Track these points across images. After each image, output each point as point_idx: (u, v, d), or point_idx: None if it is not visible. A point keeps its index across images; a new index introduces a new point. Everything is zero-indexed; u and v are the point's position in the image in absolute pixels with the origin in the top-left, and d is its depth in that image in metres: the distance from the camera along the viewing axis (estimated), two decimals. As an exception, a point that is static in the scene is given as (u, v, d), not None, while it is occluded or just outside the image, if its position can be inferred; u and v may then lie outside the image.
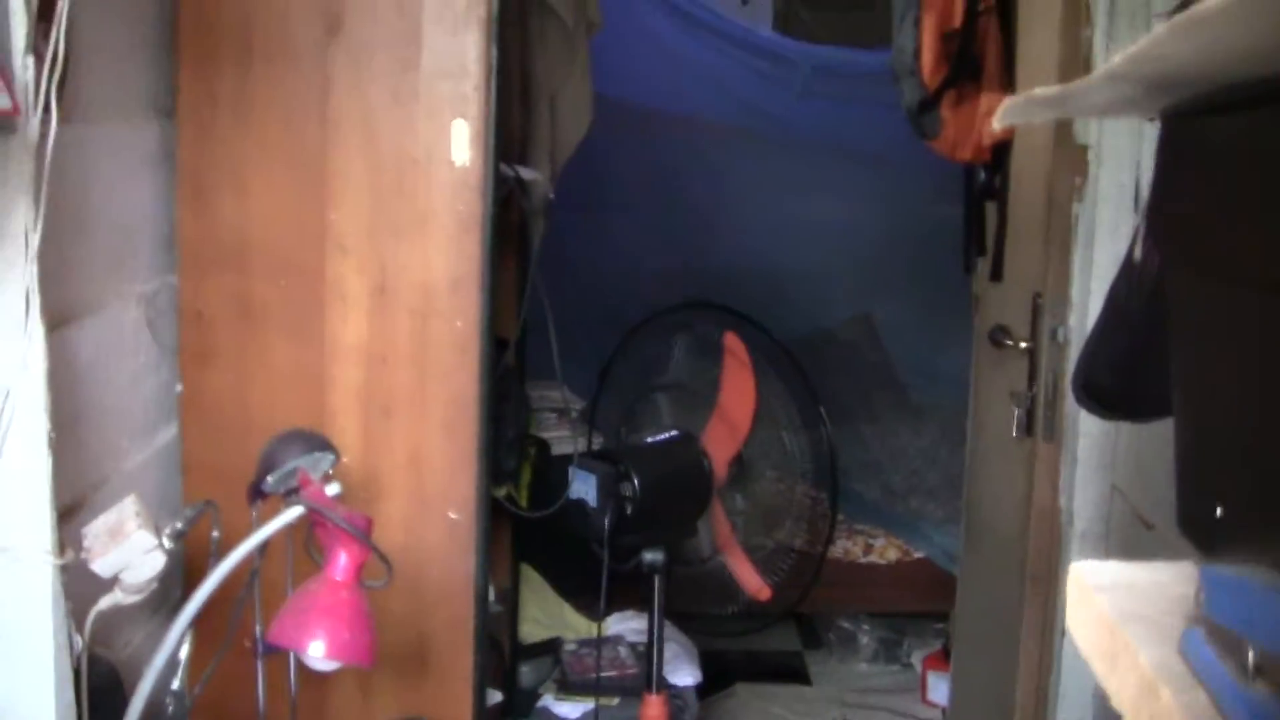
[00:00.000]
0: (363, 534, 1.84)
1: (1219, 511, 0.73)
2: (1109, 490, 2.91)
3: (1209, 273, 0.86)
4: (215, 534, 2.00)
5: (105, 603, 1.88)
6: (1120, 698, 0.74)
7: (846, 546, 5.01)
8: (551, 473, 3.40)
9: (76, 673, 1.81)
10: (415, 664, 2.48)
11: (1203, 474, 0.78)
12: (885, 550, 5.05)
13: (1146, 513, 2.68)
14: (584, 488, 2.82)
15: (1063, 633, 3.00)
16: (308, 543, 1.94)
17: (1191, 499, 0.78)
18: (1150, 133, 2.67)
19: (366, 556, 1.87)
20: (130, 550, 1.88)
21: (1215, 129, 0.92)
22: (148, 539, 1.89)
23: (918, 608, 4.98)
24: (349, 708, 2.43)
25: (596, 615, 2.95)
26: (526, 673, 3.80)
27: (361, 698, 2.44)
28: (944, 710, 4.48)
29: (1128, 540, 2.82)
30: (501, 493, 3.13)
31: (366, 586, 1.88)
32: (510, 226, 3.23)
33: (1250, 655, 0.64)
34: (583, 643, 3.83)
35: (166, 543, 1.92)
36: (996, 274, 3.51)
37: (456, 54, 2.40)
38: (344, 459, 2.33)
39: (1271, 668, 0.62)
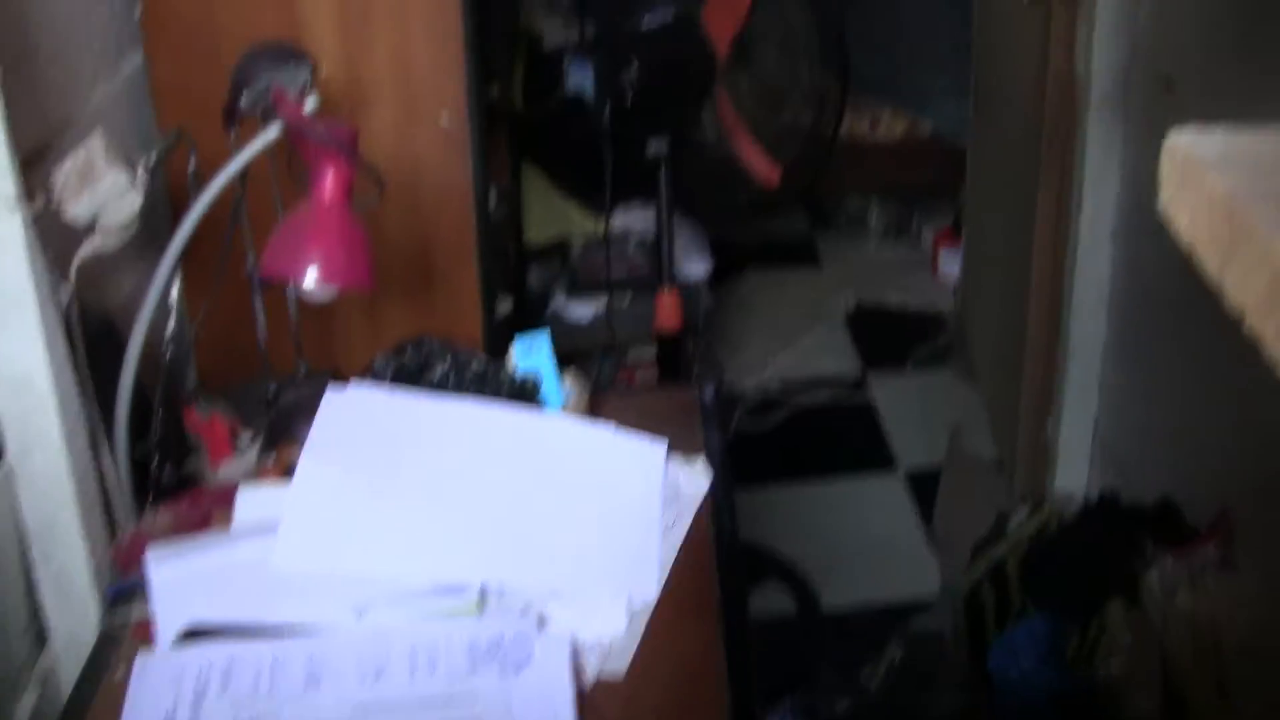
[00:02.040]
0: (348, 147, 1.70)
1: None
2: (1129, 52, 2.76)
3: None
4: (192, 165, 1.86)
5: (87, 249, 1.77)
6: (1241, 295, 0.61)
7: (852, 124, 4.85)
8: (546, 68, 3.22)
9: (69, 326, 1.70)
10: (420, 280, 2.38)
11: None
12: (893, 125, 4.90)
13: (1170, 72, 2.53)
14: (581, 80, 2.66)
15: (1079, 205, 2.90)
16: (291, 164, 1.80)
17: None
18: None
19: (355, 172, 1.73)
20: (103, 191, 1.75)
21: None
22: (120, 177, 1.76)
23: (927, 183, 4.88)
24: (356, 333, 2.34)
25: (606, 211, 2.83)
26: (535, 276, 3.72)
27: (368, 321, 2.35)
28: (955, 286, 4.44)
29: (1147, 104, 2.69)
30: (494, 92, 2.96)
31: (358, 206, 1.75)
32: None
33: None
34: (591, 240, 3.74)
35: (141, 178, 1.79)
36: None
37: None
38: (322, 71, 2.16)
39: None
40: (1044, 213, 3.11)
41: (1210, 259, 0.64)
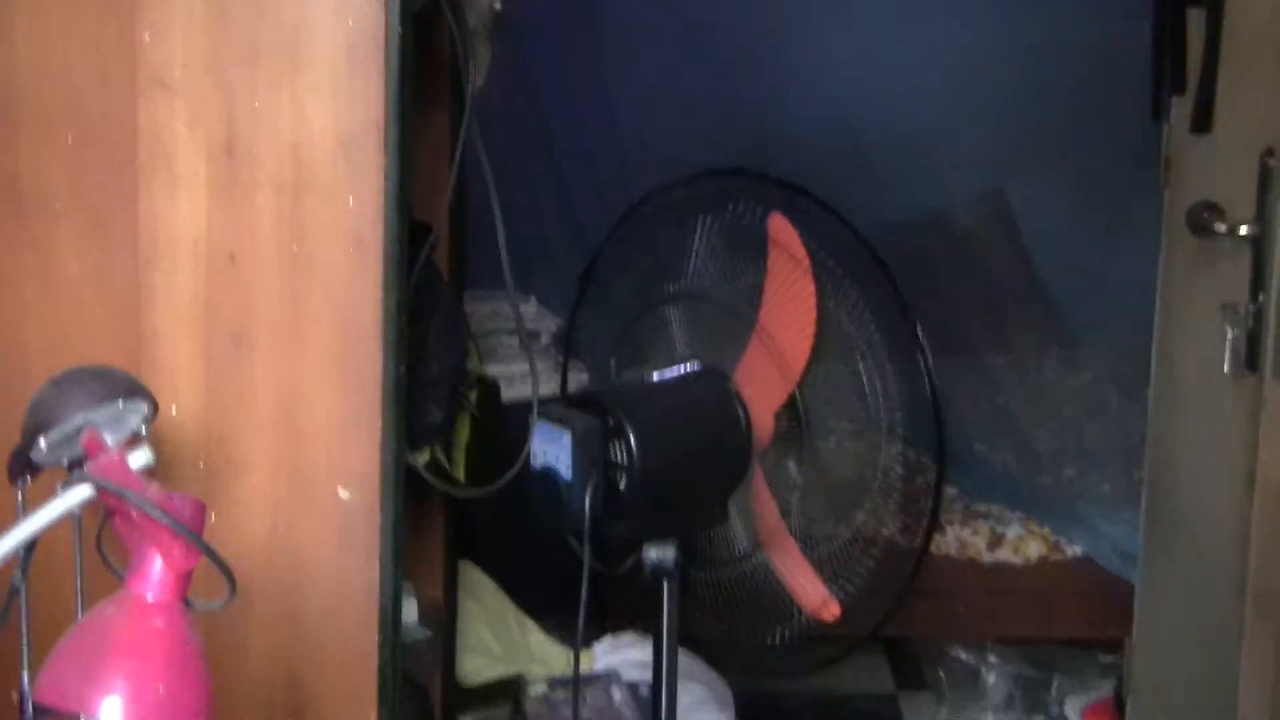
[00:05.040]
0: (186, 528, 1.74)
1: None
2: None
3: None
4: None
5: None
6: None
7: (963, 537, 4.92)
8: (504, 428, 3.30)
9: None
10: (289, 728, 2.40)
11: None
12: (1024, 544, 4.97)
13: None
14: (552, 450, 2.71)
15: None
16: (100, 542, 1.84)
17: None
18: None
19: (195, 562, 1.76)
20: None
21: None
22: None
23: (1074, 633, 4.90)
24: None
25: (576, 641, 2.86)
26: (471, 733, 3.73)
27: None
28: (1114, 791, 4.41)
29: None
30: (424, 459, 3.03)
31: (196, 609, 1.78)
32: (438, 55, 3.12)
33: None
34: (556, 683, 3.76)
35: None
36: (1203, 123, 3.39)
37: None
38: (171, 411, 2.23)
39: None
40: (1250, 695, 3.10)
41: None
